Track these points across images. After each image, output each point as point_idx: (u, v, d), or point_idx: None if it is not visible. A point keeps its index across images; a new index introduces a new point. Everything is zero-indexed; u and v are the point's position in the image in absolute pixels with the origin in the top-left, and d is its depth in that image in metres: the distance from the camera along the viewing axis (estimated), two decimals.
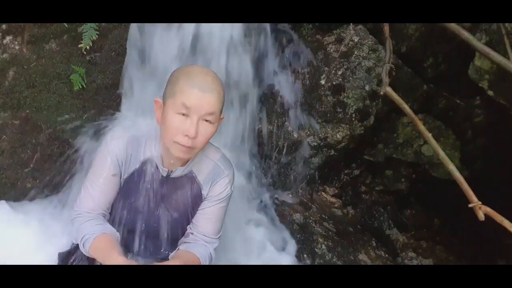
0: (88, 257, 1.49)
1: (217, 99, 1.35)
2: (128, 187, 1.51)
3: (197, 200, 1.56)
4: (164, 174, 1.50)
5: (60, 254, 1.59)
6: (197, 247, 1.53)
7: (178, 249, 1.54)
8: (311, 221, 2.33)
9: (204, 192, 1.55)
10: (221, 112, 1.41)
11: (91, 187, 1.49)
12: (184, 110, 1.32)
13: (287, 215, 2.34)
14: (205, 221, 1.56)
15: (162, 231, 1.56)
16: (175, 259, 1.46)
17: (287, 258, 2.13)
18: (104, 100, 1.96)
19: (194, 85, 1.32)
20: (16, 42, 1.78)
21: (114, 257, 1.34)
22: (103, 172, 1.48)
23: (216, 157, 1.56)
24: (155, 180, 1.51)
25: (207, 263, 1.52)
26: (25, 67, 1.80)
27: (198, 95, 1.31)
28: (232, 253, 1.99)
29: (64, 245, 1.65)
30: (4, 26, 1.75)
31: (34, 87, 1.83)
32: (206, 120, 1.35)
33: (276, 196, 2.41)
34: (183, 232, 1.59)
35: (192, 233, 1.57)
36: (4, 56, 1.77)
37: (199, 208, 1.56)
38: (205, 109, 1.33)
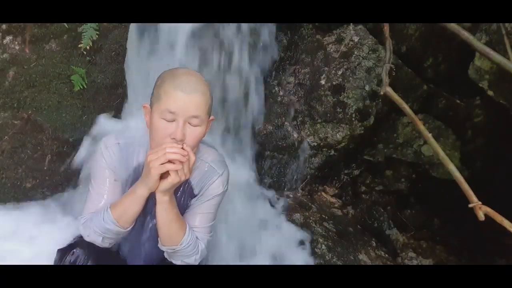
0: (86, 253, 1.49)
1: (202, 100, 1.35)
2: (123, 193, 1.51)
3: (189, 199, 1.56)
4: None
5: (59, 251, 1.59)
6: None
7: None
8: (311, 221, 2.33)
9: (196, 192, 1.55)
10: (209, 113, 1.40)
11: (95, 194, 1.49)
12: (169, 116, 1.33)
13: (287, 215, 2.34)
14: (196, 216, 1.54)
15: (154, 234, 1.55)
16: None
17: (287, 258, 2.13)
18: (104, 100, 1.97)
19: (178, 87, 1.33)
20: (16, 42, 1.78)
21: (134, 194, 1.39)
22: (103, 180, 1.49)
23: (209, 158, 1.55)
24: None
25: (191, 242, 1.48)
26: (25, 67, 1.80)
27: (182, 97, 1.32)
28: (231, 253, 1.99)
29: (64, 244, 1.65)
30: (4, 26, 1.75)
31: (34, 87, 1.83)
32: (193, 123, 1.35)
33: (276, 196, 2.41)
34: None
35: None
36: (4, 56, 1.77)
37: (190, 205, 1.56)
38: (191, 111, 1.33)
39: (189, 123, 1.34)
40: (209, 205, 1.55)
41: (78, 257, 1.51)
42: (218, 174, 1.54)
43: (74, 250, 1.54)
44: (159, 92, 1.35)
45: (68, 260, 1.53)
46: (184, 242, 1.46)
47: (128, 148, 1.50)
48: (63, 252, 1.58)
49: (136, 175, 1.49)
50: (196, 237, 1.52)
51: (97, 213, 1.45)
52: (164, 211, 1.41)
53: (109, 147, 1.48)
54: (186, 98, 1.32)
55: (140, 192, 1.38)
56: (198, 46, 2.05)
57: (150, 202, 1.51)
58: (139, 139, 1.51)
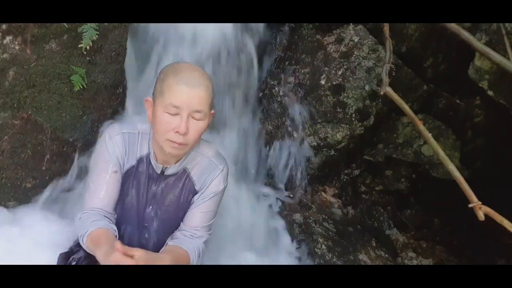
0: (88, 256, 1.48)
1: (205, 94, 1.36)
2: (125, 184, 1.52)
3: (191, 195, 1.56)
4: (159, 171, 1.51)
5: (61, 255, 1.59)
6: (185, 243, 1.52)
7: (167, 244, 1.54)
8: (311, 221, 2.33)
9: (197, 188, 1.55)
10: (211, 107, 1.41)
11: (95, 186, 1.50)
12: (173, 110, 1.33)
13: (287, 215, 2.34)
14: (198, 215, 1.56)
15: (156, 228, 1.56)
16: (166, 254, 1.45)
17: (286, 258, 2.13)
18: (104, 100, 1.96)
19: (181, 81, 1.33)
20: (16, 42, 1.78)
21: (99, 252, 1.34)
22: (105, 170, 1.49)
23: (210, 153, 1.56)
24: (150, 177, 1.52)
25: (196, 257, 1.51)
26: (25, 67, 1.80)
27: (186, 91, 1.33)
28: (231, 253, 1.99)
29: (65, 246, 1.65)
30: (4, 26, 1.75)
31: (34, 87, 1.83)
32: (196, 117, 1.36)
33: (276, 196, 2.41)
34: (177, 228, 1.59)
35: (180, 230, 1.57)
36: (4, 56, 1.77)
37: (193, 203, 1.56)
38: (194, 105, 1.34)
39: (192, 117, 1.35)
40: (210, 203, 1.56)
41: (80, 259, 1.52)
42: (219, 169, 1.55)
43: (75, 252, 1.54)
44: (162, 86, 1.36)
45: (69, 262, 1.53)
46: (193, 262, 1.49)
47: (132, 138, 1.50)
48: (65, 256, 1.58)
49: (138, 167, 1.51)
50: (197, 242, 1.53)
51: (83, 223, 1.44)
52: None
53: (112, 138, 1.48)
54: (190, 93, 1.33)
55: (99, 256, 1.35)
56: (198, 46, 2.05)
57: (149, 195, 1.52)
58: (142, 131, 1.51)
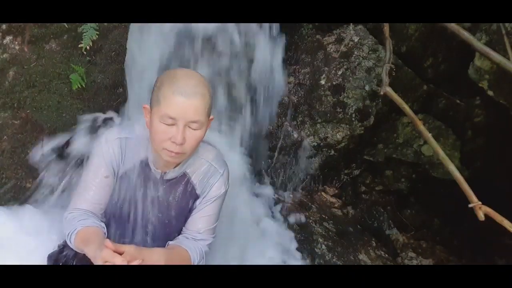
0: (75, 256, 1.49)
1: (202, 103, 1.34)
2: (122, 189, 1.52)
3: (192, 200, 1.56)
4: (158, 176, 1.51)
5: (49, 256, 1.59)
6: (186, 242, 1.53)
7: (168, 245, 1.54)
8: (311, 221, 2.33)
9: (198, 192, 1.55)
10: (209, 114, 1.40)
11: (83, 188, 1.50)
12: (169, 121, 1.32)
13: (287, 215, 2.34)
14: (201, 219, 1.56)
15: (158, 232, 1.56)
16: (161, 249, 1.45)
17: (286, 258, 2.13)
18: (104, 100, 1.96)
19: (177, 91, 1.31)
20: (16, 42, 1.78)
21: (89, 249, 1.34)
22: (96, 174, 1.48)
23: (210, 157, 1.55)
24: (149, 182, 1.51)
25: (198, 257, 1.51)
26: (25, 67, 1.80)
27: (182, 101, 1.30)
28: (231, 253, 1.99)
29: (54, 247, 1.64)
30: (4, 26, 1.75)
31: (34, 87, 1.83)
32: (193, 127, 1.35)
33: (276, 196, 2.41)
34: (178, 233, 1.59)
35: (182, 233, 1.57)
36: (4, 56, 1.77)
37: (195, 208, 1.56)
38: (190, 116, 1.32)
39: (189, 126, 1.34)
40: (212, 207, 1.56)
41: (68, 258, 1.51)
42: (219, 173, 1.54)
43: (62, 252, 1.54)
44: (158, 95, 1.34)
45: (57, 262, 1.53)
46: (195, 262, 1.49)
47: (129, 144, 1.49)
48: (54, 256, 1.57)
49: (136, 172, 1.50)
50: (199, 243, 1.54)
51: (67, 226, 1.45)
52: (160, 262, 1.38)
53: (109, 142, 1.47)
54: (186, 103, 1.31)
55: (90, 254, 1.35)
56: (199, 47, 2.05)
57: (149, 200, 1.52)
58: (141, 136, 1.50)
